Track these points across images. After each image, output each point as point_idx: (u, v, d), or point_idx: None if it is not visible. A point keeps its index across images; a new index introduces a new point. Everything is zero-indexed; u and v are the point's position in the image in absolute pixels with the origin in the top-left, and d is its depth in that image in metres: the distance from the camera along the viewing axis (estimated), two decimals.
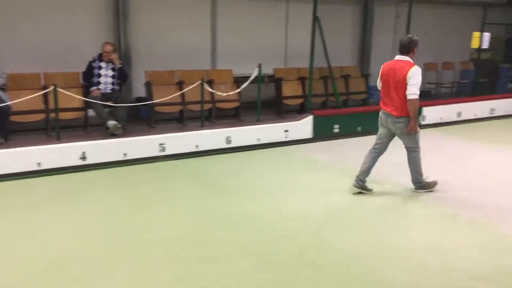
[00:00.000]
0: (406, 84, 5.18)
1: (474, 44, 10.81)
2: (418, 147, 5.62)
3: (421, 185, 5.75)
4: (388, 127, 5.59)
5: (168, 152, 7.16)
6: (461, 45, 12.25)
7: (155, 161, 7.00)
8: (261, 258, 4.08)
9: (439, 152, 7.72)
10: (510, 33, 13.31)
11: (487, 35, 10.71)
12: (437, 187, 5.85)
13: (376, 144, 5.78)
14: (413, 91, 5.15)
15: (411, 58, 5.36)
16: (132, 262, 4.00)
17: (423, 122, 9.67)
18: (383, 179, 6.26)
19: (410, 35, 5.47)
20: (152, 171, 6.62)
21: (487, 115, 10.66)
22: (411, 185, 5.89)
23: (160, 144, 7.11)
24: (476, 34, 10.61)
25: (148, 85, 7.95)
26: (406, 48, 5.36)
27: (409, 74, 5.17)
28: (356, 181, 5.70)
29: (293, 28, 10.36)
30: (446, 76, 11.76)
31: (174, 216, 5.00)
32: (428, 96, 11.39)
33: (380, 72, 5.57)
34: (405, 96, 5.23)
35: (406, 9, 9.62)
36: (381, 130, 5.74)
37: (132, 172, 6.55)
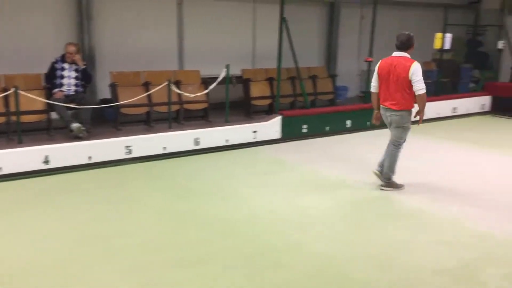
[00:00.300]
0: (409, 80, 5.40)
1: (437, 44, 11.08)
2: (402, 143, 5.78)
3: (389, 183, 5.86)
4: (389, 122, 5.80)
5: (135, 154, 7.03)
6: (424, 46, 12.54)
7: (122, 164, 6.87)
8: (231, 260, 4.05)
9: (404, 150, 7.87)
10: (471, 34, 13.74)
11: (449, 36, 11.01)
12: (404, 184, 5.96)
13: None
14: (420, 86, 5.40)
15: (409, 54, 5.55)
16: (97, 268, 3.90)
17: None
18: (348, 177, 6.34)
19: (407, 32, 5.62)
20: (118, 174, 6.48)
21: (450, 113, 10.96)
22: (374, 183, 5.98)
23: (127, 146, 6.97)
24: (439, 35, 10.89)
25: (113, 86, 7.80)
26: (405, 44, 5.56)
27: (412, 70, 5.39)
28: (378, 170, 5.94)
29: (260, 29, 10.37)
30: None
31: (141, 220, 4.91)
32: None
33: (376, 72, 5.73)
34: (406, 90, 5.47)
35: (370, 10, 9.79)
36: (389, 127, 5.90)
37: (97, 176, 6.40)
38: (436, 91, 11.05)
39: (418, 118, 5.72)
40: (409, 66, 5.40)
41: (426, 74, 13.15)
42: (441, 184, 6.17)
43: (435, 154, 7.78)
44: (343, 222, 4.92)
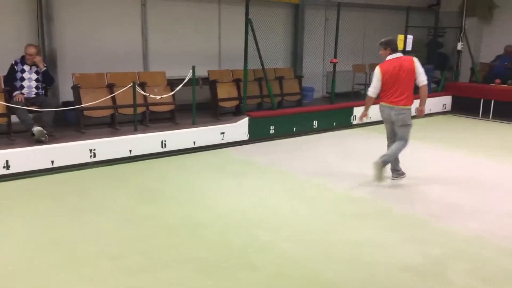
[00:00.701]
0: (415, 73, 5.89)
1: (399, 46, 11.31)
2: (408, 139, 6.17)
3: (398, 172, 6.30)
4: (391, 121, 6.10)
5: (99, 158, 6.87)
6: None
7: (86, 168, 6.69)
8: (198, 263, 4.00)
9: (373, 150, 8.00)
10: (431, 36, 14.13)
11: (410, 38, 11.27)
12: (372, 184, 6.05)
13: (389, 142, 6.34)
14: (425, 78, 5.94)
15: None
16: (58, 276, 3.77)
17: (354, 122, 10.01)
18: (316, 177, 6.38)
19: (391, 37, 6.28)
20: (82, 178, 6.31)
21: (413, 113, 11.18)
22: (342, 183, 6.06)
23: (91, 150, 6.80)
24: (400, 37, 11.13)
25: (75, 88, 7.59)
26: (395, 45, 6.16)
27: (416, 64, 5.91)
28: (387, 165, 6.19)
29: (226, 30, 10.33)
30: None
31: (104, 225, 4.78)
32: (358, 96, 11.81)
33: (379, 77, 6.01)
34: (412, 85, 5.95)
35: (335, 12, 9.91)
36: (387, 127, 6.28)
37: (60, 180, 6.21)
38: None
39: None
40: (413, 60, 5.91)
41: None
42: (407, 183, 6.30)
43: (402, 153, 7.92)
44: (313, 222, 4.95)
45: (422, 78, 5.89)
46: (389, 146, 6.27)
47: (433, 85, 13.31)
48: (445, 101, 11.91)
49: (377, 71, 6.02)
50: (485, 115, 11.13)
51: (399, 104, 5.94)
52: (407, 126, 6.05)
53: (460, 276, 3.87)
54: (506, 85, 10.64)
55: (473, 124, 10.55)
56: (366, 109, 6.29)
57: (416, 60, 5.92)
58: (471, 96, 11.47)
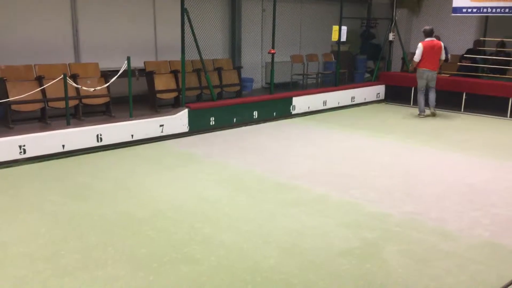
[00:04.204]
0: (441, 51, 9.98)
1: (334, 37, 11.59)
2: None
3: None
4: (427, 79, 10.02)
5: (29, 154, 6.52)
6: (322, 38, 13.08)
7: (15, 165, 6.33)
8: (138, 260, 3.91)
9: (308, 139, 8.18)
10: (364, 27, 14.59)
11: (344, 29, 11.55)
12: (308, 171, 6.18)
13: (422, 91, 10.24)
14: (445, 55, 10.20)
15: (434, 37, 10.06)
16: None
17: (293, 112, 10.16)
18: (256, 167, 6.43)
19: (430, 26, 10.11)
20: (10, 176, 5.97)
21: (349, 102, 11.57)
22: (280, 172, 6.15)
23: (20, 146, 6.44)
24: (335, 28, 11.39)
25: (1, 81, 7.12)
26: (432, 32, 10.00)
27: (442, 45, 10.00)
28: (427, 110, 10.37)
29: (161, 20, 10.09)
30: (311, 67, 12.48)
31: (37, 225, 4.55)
32: (296, 86, 11.99)
33: (421, 49, 9.84)
34: (439, 58, 10.04)
35: (271, 3, 9.96)
36: (423, 83, 10.12)
37: None
38: (336, 82, 11.59)
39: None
40: (441, 43, 10.00)
41: (325, 66, 13.81)
42: (343, 169, 6.49)
43: (338, 141, 8.15)
44: (252, 212, 4.97)
45: (444, 55, 10.03)
46: (420, 95, 10.23)
47: (367, 75, 13.79)
48: (379, 90, 12.36)
49: (420, 45, 9.84)
50: (416, 102, 11.66)
51: (433, 69, 9.91)
52: (434, 80, 10.03)
53: (395, 256, 4.04)
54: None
55: (405, 112, 11.04)
56: (413, 65, 10.22)
57: (442, 44, 9.97)
58: (402, 85, 11.98)
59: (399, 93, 12.04)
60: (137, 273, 3.70)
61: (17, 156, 6.43)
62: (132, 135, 7.59)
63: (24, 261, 3.85)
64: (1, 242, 4.17)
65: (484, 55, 11.62)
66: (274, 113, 9.87)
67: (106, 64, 8.43)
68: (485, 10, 10.74)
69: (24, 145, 6.47)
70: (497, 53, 11.52)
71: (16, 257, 3.92)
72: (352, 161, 6.88)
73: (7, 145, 6.35)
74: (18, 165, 6.36)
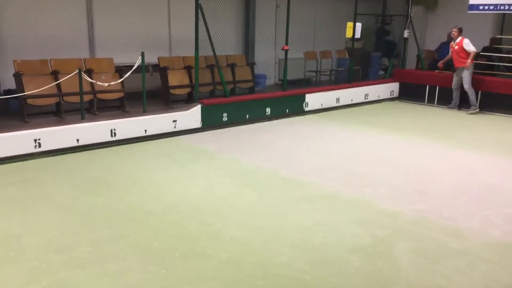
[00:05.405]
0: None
1: (348, 33, 11.51)
2: None
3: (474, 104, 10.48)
4: (459, 76, 10.39)
5: (44, 148, 6.61)
6: (337, 35, 13.00)
7: (30, 159, 6.42)
8: (150, 254, 3.95)
9: (320, 136, 8.15)
10: (380, 23, 14.46)
11: (359, 25, 11.46)
12: (320, 168, 6.16)
13: (455, 85, 10.67)
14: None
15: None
16: (2, 269, 3.62)
17: (306, 109, 10.13)
18: (267, 164, 6.43)
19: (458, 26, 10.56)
20: (26, 169, 6.06)
21: (362, 100, 11.49)
22: (292, 169, 6.14)
23: (35, 139, 6.53)
24: (349, 24, 11.31)
25: (17, 76, 7.23)
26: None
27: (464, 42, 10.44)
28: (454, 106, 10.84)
29: (175, 16, 10.13)
30: (325, 64, 12.42)
31: (50, 218, 4.62)
32: (309, 83, 11.94)
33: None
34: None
35: (285, 0, 9.92)
36: (456, 78, 10.58)
37: (3, 172, 5.93)
38: (349, 78, 11.53)
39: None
40: (462, 42, 10.33)
41: (339, 62, 13.71)
42: (354, 167, 6.46)
43: (347, 138, 8.11)
44: (263, 208, 4.98)
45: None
46: (455, 88, 10.72)
47: (381, 72, 13.68)
48: (393, 87, 12.25)
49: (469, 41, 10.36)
50: (431, 100, 11.57)
51: (462, 66, 10.37)
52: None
53: (406, 254, 4.02)
54: (450, 72, 11.07)
55: (419, 110, 10.93)
56: (471, 59, 10.31)
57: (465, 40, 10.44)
58: (417, 82, 11.86)
59: (413, 91, 11.92)
60: (148, 267, 3.74)
61: (32, 149, 6.52)
62: (145, 130, 7.65)
63: (37, 253, 3.92)
64: (14, 234, 4.24)
65: (501, 53, 11.45)
66: (287, 110, 9.85)
67: (120, 59, 8.50)
68: (502, 7, 10.56)
69: (39, 139, 6.56)
70: None
71: (29, 249, 3.98)
72: (363, 158, 6.85)
73: (22, 139, 6.45)
74: (33, 159, 6.45)
